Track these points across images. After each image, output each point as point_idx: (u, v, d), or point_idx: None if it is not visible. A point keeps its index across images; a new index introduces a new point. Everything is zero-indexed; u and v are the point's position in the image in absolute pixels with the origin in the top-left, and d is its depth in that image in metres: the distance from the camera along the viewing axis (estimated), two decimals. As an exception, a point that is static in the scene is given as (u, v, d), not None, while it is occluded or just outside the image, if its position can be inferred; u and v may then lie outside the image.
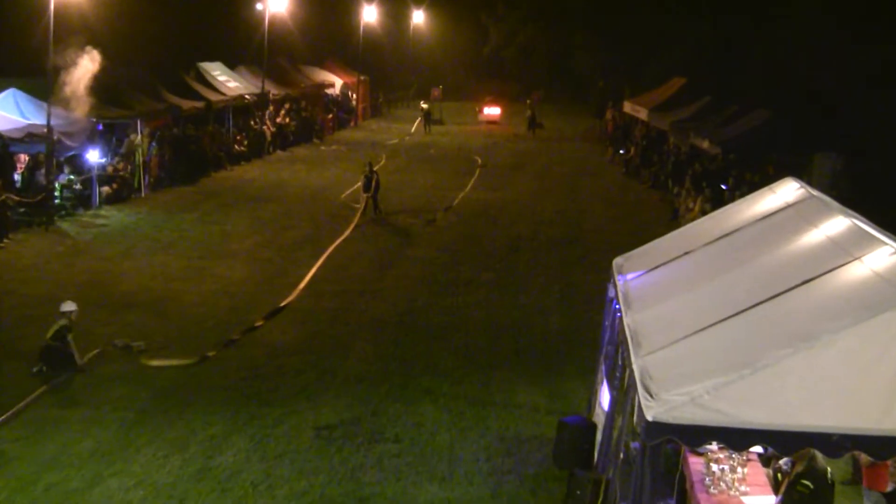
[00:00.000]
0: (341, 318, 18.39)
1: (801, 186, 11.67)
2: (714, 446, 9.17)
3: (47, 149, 25.26)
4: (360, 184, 28.91)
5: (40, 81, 26.07)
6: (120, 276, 20.71)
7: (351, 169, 36.93)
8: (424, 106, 56.64)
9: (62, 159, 26.86)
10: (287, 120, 45.83)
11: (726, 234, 11.33)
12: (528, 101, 60.31)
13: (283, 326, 17.71)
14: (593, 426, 11.56)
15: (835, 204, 10.54)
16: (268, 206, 29.69)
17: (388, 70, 72.48)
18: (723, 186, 26.78)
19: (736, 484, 9.71)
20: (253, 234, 25.55)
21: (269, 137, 42.46)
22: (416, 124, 55.94)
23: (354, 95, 59.30)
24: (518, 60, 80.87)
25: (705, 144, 30.92)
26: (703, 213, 22.62)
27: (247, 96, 41.65)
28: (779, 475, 10.12)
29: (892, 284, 7.77)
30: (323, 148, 45.98)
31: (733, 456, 9.75)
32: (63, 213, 26.17)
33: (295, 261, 22.56)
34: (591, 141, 52.33)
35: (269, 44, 43.94)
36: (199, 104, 36.41)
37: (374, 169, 29.00)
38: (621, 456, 9.34)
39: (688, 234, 12.50)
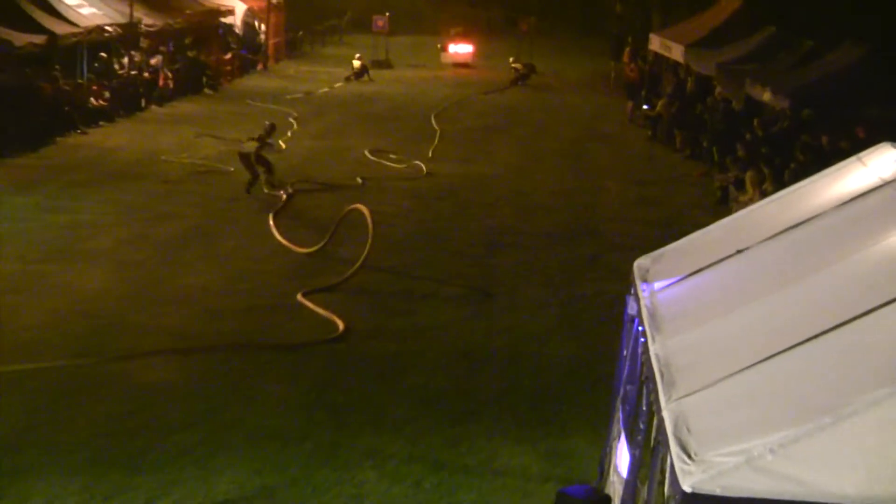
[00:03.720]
0: (244, 347, 18.32)
1: (904, 156, 11.72)
2: (781, 528, 9.18)
3: None
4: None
5: None
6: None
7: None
8: (357, 63, 57.08)
9: None
10: (167, 62, 45.64)
11: (797, 225, 11.34)
12: (513, 57, 59.16)
13: (158, 359, 17.58)
14: (607, 499, 11.57)
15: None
16: (139, 185, 29.62)
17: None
18: (792, 156, 26.93)
19: (812, 582, 9.73)
20: (118, 225, 25.45)
21: (140, 87, 42.24)
22: (350, 73, 56.20)
23: (263, 27, 59.17)
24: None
25: (767, 96, 31.07)
26: (764, 194, 22.73)
27: (108, 28, 41.36)
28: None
29: None
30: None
31: (809, 542, 9.78)
32: None
33: (178, 263, 22.48)
34: (603, 91, 52.51)
35: (141, -48, 43.67)
36: (39, 39, 36.11)
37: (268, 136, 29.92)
38: (648, 543, 9.35)
39: (741, 225, 12.53)
